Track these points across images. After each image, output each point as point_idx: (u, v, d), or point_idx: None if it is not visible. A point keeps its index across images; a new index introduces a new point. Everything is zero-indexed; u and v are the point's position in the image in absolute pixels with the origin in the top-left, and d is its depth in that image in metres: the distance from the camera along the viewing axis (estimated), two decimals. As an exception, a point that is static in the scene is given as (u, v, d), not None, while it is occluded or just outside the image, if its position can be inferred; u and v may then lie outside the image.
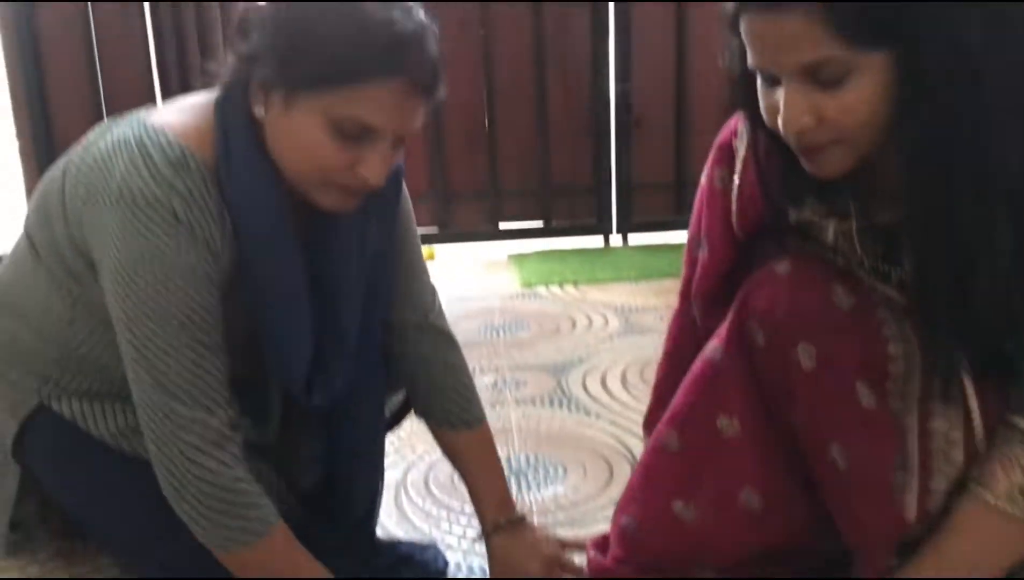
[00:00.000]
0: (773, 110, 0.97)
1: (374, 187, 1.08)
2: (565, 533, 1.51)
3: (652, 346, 2.45)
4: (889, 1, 0.87)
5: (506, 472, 1.75)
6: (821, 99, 0.93)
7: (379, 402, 1.38)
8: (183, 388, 1.07)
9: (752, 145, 1.12)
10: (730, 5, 0.96)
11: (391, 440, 1.53)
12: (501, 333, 2.66)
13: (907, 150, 0.94)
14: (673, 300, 1.37)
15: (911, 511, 1.05)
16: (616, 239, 3.80)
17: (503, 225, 3.78)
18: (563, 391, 2.18)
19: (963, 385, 1.02)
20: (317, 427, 1.33)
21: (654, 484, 1.22)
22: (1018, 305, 0.97)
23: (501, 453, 1.82)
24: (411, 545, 1.47)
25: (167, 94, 3.64)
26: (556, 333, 2.63)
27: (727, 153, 1.20)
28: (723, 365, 1.16)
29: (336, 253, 1.20)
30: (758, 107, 1.01)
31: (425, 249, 1.41)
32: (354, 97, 1.02)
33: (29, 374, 1.25)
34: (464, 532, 1.57)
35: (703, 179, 1.24)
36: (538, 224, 3.79)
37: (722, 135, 1.21)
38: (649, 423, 1.36)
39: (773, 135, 1.02)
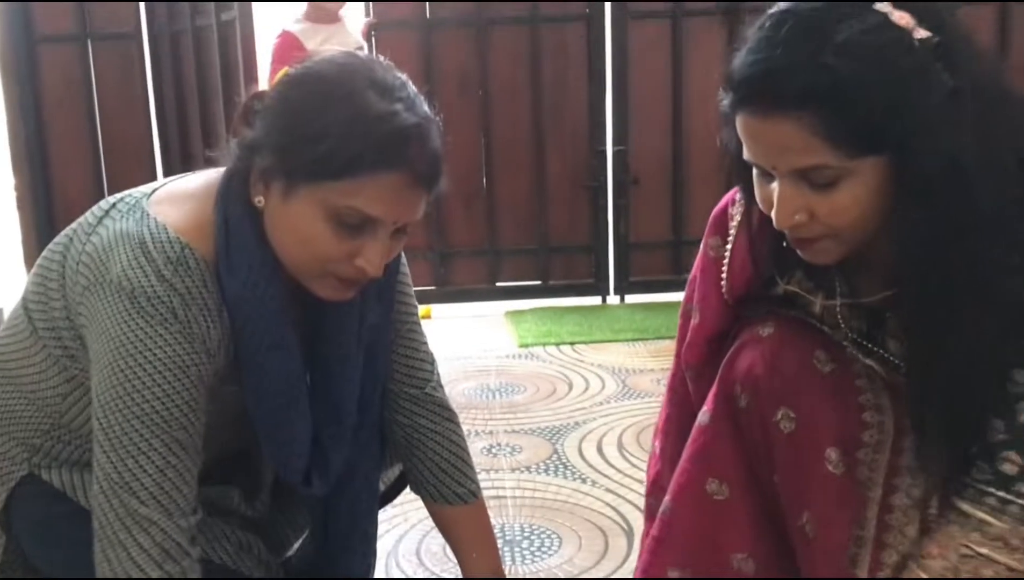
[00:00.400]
0: (768, 202, 0.98)
1: (373, 278, 1.07)
2: (560, 608, 1.49)
3: (649, 410, 2.44)
4: (880, 112, 0.89)
5: (500, 542, 1.73)
6: (814, 199, 0.94)
7: (375, 479, 1.36)
8: (147, 487, 1.03)
9: (746, 216, 1.13)
10: (726, 101, 0.97)
11: (384, 508, 1.51)
12: (497, 395, 2.64)
13: (900, 245, 0.95)
14: (669, 362, 1.36)
15: None
16: (613, 298, 3.80)
17: (500, 283, 3.79)
18: (559, 457, 2.16)
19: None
20: (309, 502, 1.30)
21: (654, 553, 1.21)
22: (986, 397, 0.97)
23: (495, 522, 1.80)
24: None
25: (165, 142, 3.67)
26: (552, 395, 2.61)
27: (722, 222, 1.21)
28: (711, 428, 1.16)
29: (334, 334, 1.18)
30: (752, 183, 1.02)
31: (422, 309, 1.40)
32: (354, 189, 1.01)
33: (20, 444, 1.23)
34: (456, 605, 1.54)
35: (701, 247, 1.25)
36: (535, 283, 3.79)
37: (720, 204, 1.22)
38: (652, 493, 1.34)
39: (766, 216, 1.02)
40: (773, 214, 0.97)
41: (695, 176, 3.69)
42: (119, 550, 1.03)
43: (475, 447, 2.24)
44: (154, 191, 1.13)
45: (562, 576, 1.63)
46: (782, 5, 0.95)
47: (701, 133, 3.63)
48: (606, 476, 2.04)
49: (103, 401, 1.04)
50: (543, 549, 1.73)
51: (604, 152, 3.72)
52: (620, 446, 2.21)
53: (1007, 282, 0.94)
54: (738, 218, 1.17)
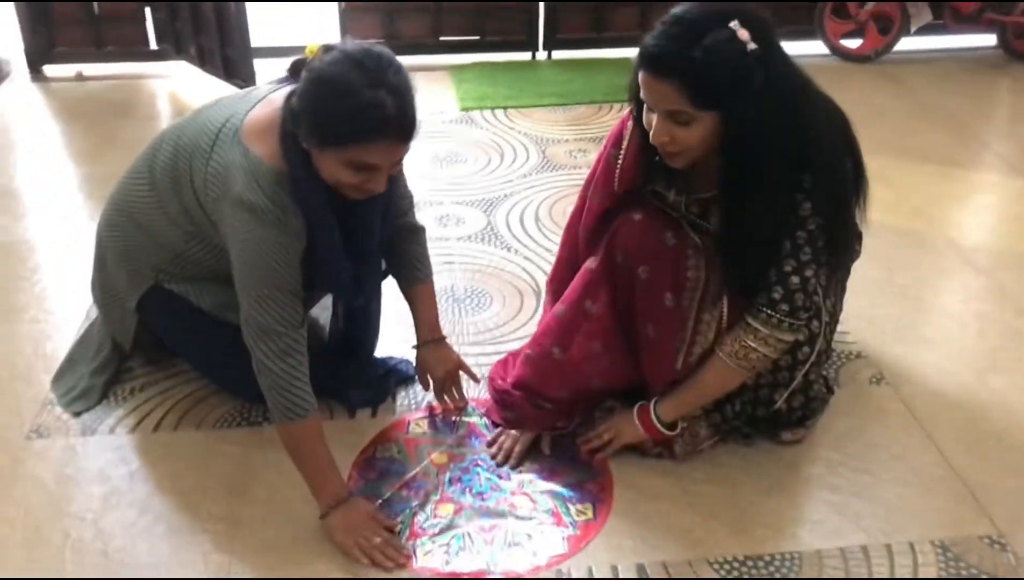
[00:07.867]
0: (648, 126, 1.65)
1: (379, 193, 1.67)
2: (488, 350, 2.30)
3: (560, 184, 3.15)
4: (719, 89, 1.51)
5: (450, 300, 2.51)
6: (675, 129, 1.60)
7: (380, 286, 2.09)
8: (271, 314, 1.67)
9: (633, 137, 1.79)
10: (635, 60, 1.58)
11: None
12: (444, 165, 3.32)
13: (724, 161, 1.63)
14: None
15: (679, 365, 1.86)
16: (542, 54, 4.37)
17: (443, 38, 4.31)
18: (492, 228, 2.89)
19: (722, 301, 1.81)
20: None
21: (547, 334, 2.00)
22: (766, 254, 1.72)
23: (447, 283, 2.57)
24: (396, 360, 2.25)
25: None
26: (487, 167, 3.30)
27: (619, 137, 1.86)
28: (596, 272, 1.91)
29: (364, 214, 1.83)
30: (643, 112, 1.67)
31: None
32: (360, 152, 1.57)
33: (147, 265, 1.93)
34: (422, 346, 2.33)
35: (602, 149, 1.91)
36: (474, 38, 4.33)
37: (618, 124, 1.87)
38: (551, 283, 2.10)
39: (647, 133, 1.70)
40: (651, 134, 1.63)
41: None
42: (256, 352, 1.73)
43: (431, 216, 2.95)
44: (240, 123, 1.71)
45: (492, 326, 2.43)
46: (679, 7, 1.54)
47: None
48: (524, 245, 2.78)
49: (242, 273, 1.70)
50: (480, 306, 2.50)
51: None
52: (536, 219, 2.94)
53: (783, 187, 1.64)
54: (627, 138, 1.83)
